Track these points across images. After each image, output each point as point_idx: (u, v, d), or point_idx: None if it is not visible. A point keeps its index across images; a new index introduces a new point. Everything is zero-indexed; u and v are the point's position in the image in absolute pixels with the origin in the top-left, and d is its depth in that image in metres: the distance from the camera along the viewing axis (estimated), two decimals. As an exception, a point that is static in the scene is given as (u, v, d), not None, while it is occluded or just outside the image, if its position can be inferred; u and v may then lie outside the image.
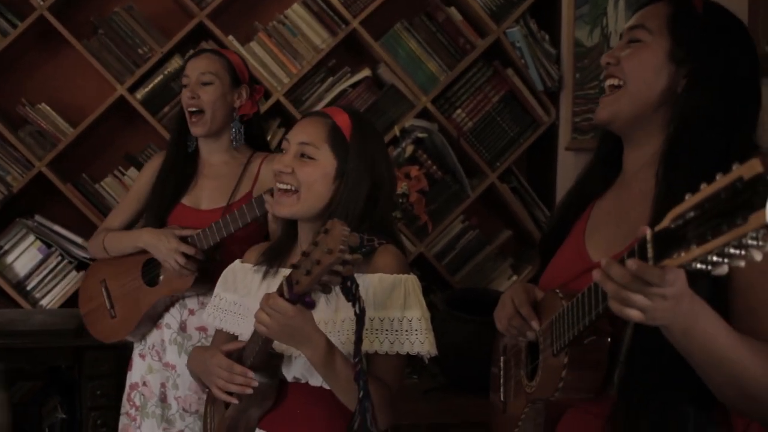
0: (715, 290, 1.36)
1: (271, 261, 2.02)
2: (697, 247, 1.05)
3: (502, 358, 1.78)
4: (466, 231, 4.16)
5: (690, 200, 1.07)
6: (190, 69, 2.80)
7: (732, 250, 1.02)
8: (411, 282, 1.90)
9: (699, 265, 1.06)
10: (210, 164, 2.82)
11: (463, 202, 4.10)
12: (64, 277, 3.93)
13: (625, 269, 1.17)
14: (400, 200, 3.38)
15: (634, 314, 1.21)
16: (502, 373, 1.77)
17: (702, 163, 1.42)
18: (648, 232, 1.14)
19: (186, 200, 2.79)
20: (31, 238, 3.94)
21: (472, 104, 4.10)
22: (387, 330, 1.86)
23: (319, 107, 3.94)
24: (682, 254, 1.07)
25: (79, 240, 3.92)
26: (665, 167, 1.48)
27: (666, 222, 1.11)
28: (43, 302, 3.92)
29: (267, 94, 3.97)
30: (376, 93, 4.08)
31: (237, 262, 2.14)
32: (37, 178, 3.92)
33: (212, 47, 3.79)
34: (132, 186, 3.03)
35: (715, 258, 1.04)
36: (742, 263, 1.03)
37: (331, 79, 4.07)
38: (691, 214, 1.06)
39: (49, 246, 3.94)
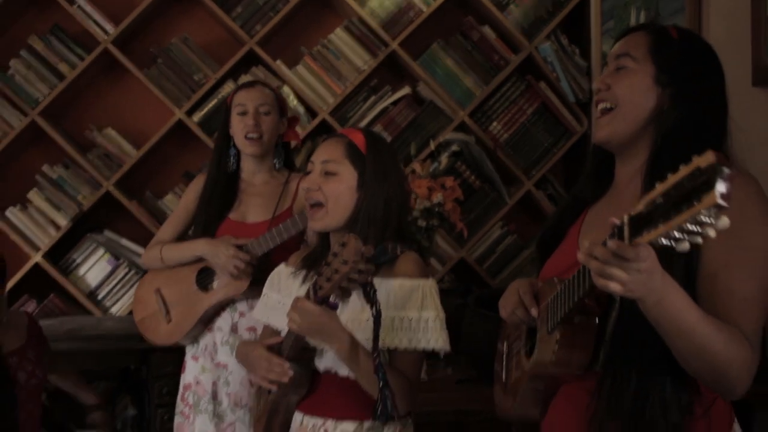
0: (687, 278, 1.58)
1: (308, 266, 2.29)
2: (663, 225, 1.26)
3: (505, 342, 2.01)
4: (505, 236, 4.38)
5: (659, 188, 1.29)
6: (246, 99, 3.04)
7: (689, 226, 1.23)
8: (428, 286, 2.14)
9: (664, 241, 1.27)
10: (252, 184, 3.07)
11: (501, 209, 4.32)
12: (132, 286, 4.22)
13: (606, 248, 1.38)
14: (436, 209, 3.61)
15: (615, 287, 1.41)
16: (505, 354, 2.00)
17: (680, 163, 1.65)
18: (625, 217, 1.36)
19: (232, 215, 3.04)
20: (101, 251, 4.25)
21: (508, 117, 4.32)
22: (405, 328, 2.10)
23: (362, 124, 4.21)
24: (651, 232, 1.29)
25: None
26: (650, 176, 1.69)
27: (639, 207, 1.33)
28: (113, 310, 4.23)
29: (313, 114, 4.24)
30: (416, 109, 4.32)
31: (282, 265, 2.40)
32: (105, 197, 4.23)
33: (262, 74, 4.09)
34: (179, 204, 3.29)
35: (677, 234, 1.25)
36: (699, 239, 1.24)
37: (373, 97, 4.32)
38: (660, 199, 1.28)
39: (117, 258, 4.25)
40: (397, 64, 4.40)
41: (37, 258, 4.17)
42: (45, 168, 4.26)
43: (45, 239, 4.20)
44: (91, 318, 4.15)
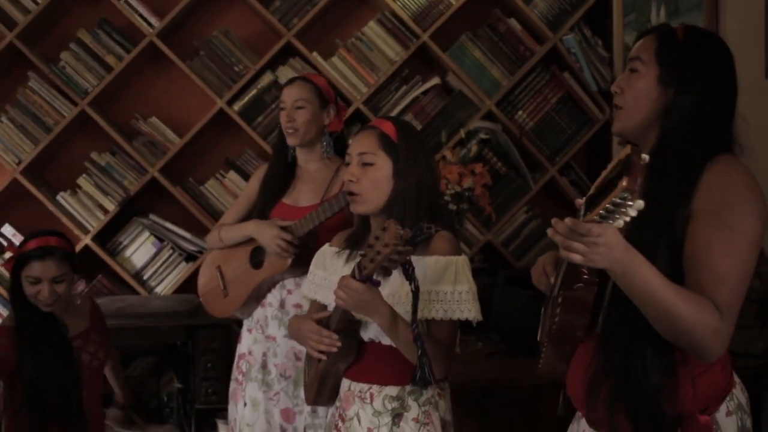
0: (672, 256, 1.78)
1: (350, 246, 2.49)
2: (597, 206, 1.51)
3: (543, 308, 2.22)
4: (530, 220, 4.56)
5: (602, 175, 1.56)
6: (285, 95, 3.24)
7: (612, 207, 1.48)
8: (461, 262, 2.34)
9: (598, 218, 1.52)
10: (307, 171, 3.26)
11: (526, 195, 4.50)
12: (175, 267, 4.46)
13: (565, 225, 1.60)
14: (466, 194, 3.80)
15: (576, 257, 1.62)
16: (541, 317, 2.20)
17: (683, 153, 1.85)
18: (584, 199, 1.61)
19: (286, 199, 3.24)
20: (147, 234, 4.46)
21: (533, 105, 4.50)
22: (441, 301, 2.30)
23: (394, 113, 4.39)
24: (592, 211, 1.54)
25: (187, 235, 4.44)
26: (653, 163, 1.89)
27: (591, 191, 1.59)
28: (158, 290, 4.45)
29: (347, 103, 4.42)
30: (445, 99, 4.50)
31: (326, 245, 2.60)
32: (150, 182, 4.44)
33: (299, 66, 4.28)
34: (243, 190, 3.49)
35: (605, 213, 1.50)
36: (627, 218, 1.50)
37: (404, 87, 4.50)
38: (604, 184, 1.55)
39: (161, 241, 4.47)
40: (428, 56, 4.57)
41: (86, 240, 4.39)
42: (93, 155, 4.48)
43: (94, 222, 4.42)
44: (140, 297, 4.37)
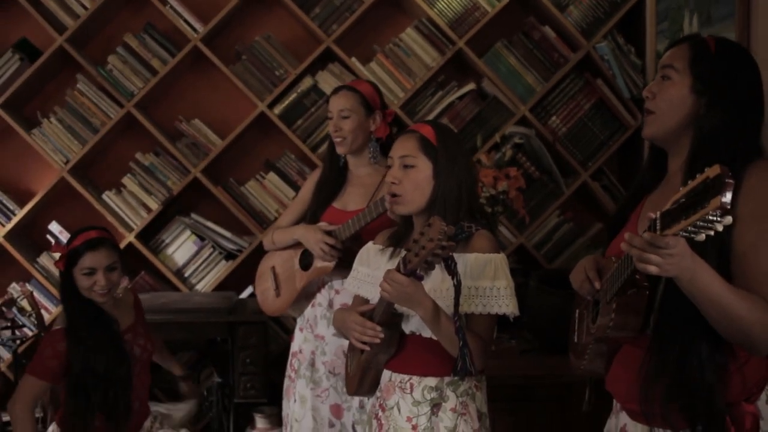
0: (720, 259, 1.88)
1: (394, 244, 2.60)
2: (683, 221, 1.60)
3: (577, 311, 2.30)
4: (562, 224, 4.63)
5: (682, 191, 1.63)
6: (332, 105, 3.35)
7: (701, 223, 1.57)
8: (499, 259, 2.45)
9: (684, 234, 1.62)
10: (357, 176, 3.37)
11: (558, 199, 4.57)
12: (215, 265, 4.58)
13: (642, 239, 1.71)
14: (501, 197, 3.89)
15: (652, 269, 1.73)
16: (577, 321, 2.29)
17: (722, 160, 1.93)
18: (658, 213, 1.68)
19: (336, 204, 3.35)
20: (188, 232, 4.59)
21: (566, 111, 4.58)
22: (480, 296, 2.40)
23: (430, 118, 4.49)
24: (675, 226, 1.62)
25: (228, 234, 4.56)
26: (688, 173, 1.98)
27: (668, 205, 1.66)
28: (198, 287, 4.58)
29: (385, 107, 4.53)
30: (480, 104, 4.59)
31: (370, 243, 2.71)
32: (192, 182, 4.57)
33: (338, 71, 4.39)
34: (297, 194, 3.60)
35: (692, 228, 1.59)
36: (711, 232, 1.58)
37: (440, 93, 4.60)
38: (683, 200, 1.62)
39: (202, 239, 4.60)
40: (463, 62, 4.66)
41: (130, 238, 4.53)
42: (138, 155, 4.62)
43: (137, 221, 4.56)
44: (181, 293, 4.50)
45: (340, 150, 3.32)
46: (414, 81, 4.55)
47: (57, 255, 3.21)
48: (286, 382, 3.43)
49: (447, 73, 4.64)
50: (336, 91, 3.41)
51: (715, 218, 1.56)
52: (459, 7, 4.52)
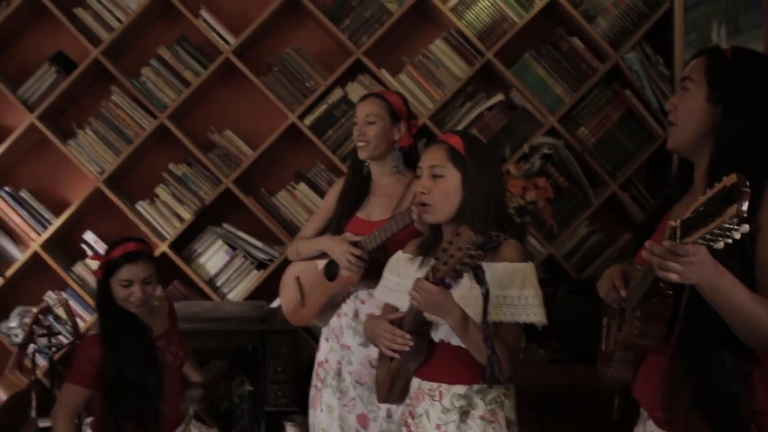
0: (744, 267, 1.90)
1: (423, 253, 2.63)
2: (702, 229, 1.63)
3: (605, 320, 2.33)
4: (591, 235, 4.64)
5: (701, 200, 1.65)
6: (359, 110, 3.39)
7: (719, 231, 1.60)
8: (528, 268, 2.47)
9: (702, 242, 1.65)
10: (380, 185, 3.40)
11: (587, 209, 4.59)
12: (247, 275, 4.64)
13: (662, 247, 1.73)
14: (529, 207, 3.91)
15: (673, 276, 1.75)
16: (605, 329, 2.31)
17: (743, 169, 1.95)
18: (678, 221, 1.71)
19: (360, 214, 3.38)
20: (220, 242, 4.65)
21: (595, 122, 4.59)
22: (508, 305, 2.43)
23: (459, 128, 4.52)
24: (694, 234, 1.65)
25: (259, 244, 4.62)
26: (708, 181, 2.00)
27: (688, 213, 1.68)
28: (230, 296, 4.63)
29: (414, 118, 4.56)
30: (509, 115, 4.62)
31: (400, 252, 2.74)
32: (224, 193, 4.63)
33: (368, 82, 4.44)
34: (321, 203, 3.64)
35: (710, 236, 1.63)
36: (729, 240, 1.61)
37: (469, 103, 4.63)
38: (701, 208, 1.65)
39: (234, 249, 4.65)
40: (492, 73, 4.69)
41: (163, 248, 4.60)
42: (171, 166, 4.69)
43: (170, 230, 4.63)
44: (213, 302, 4.56)
45: (362, 155, 3.35)
46: (443, 92, 4.59)
47: (94, 264, 3.27)
48: (312, 391, 3.46)
49: (476, 84, 4.67)
50: (364, 97, 3.46)
51: (732, 226, 1.59)
52: (488, 19, 4.55)
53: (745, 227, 1.58)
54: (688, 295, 1.97)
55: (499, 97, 4.64)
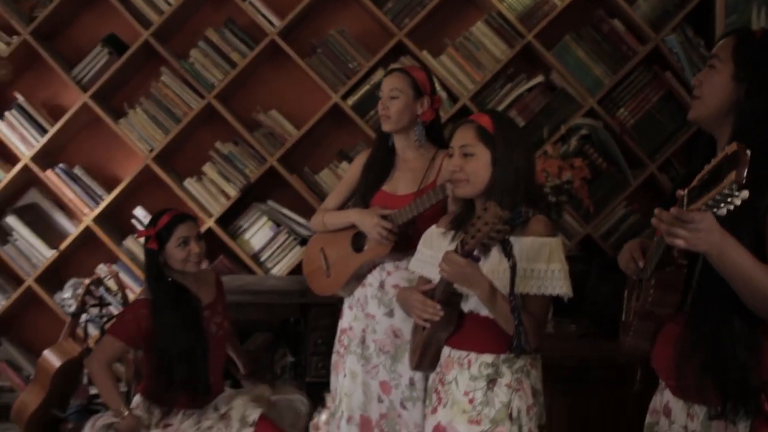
0: (754, 237, 1.95)
1: (455, 227, 2.73)
2: (705, 196, 1.71)
3: (626, 291, 2.41)
4: (629, 215, 4.69)
5: (705, 169, 1.73)
6: (384, 85, 3.46)
7: (720, 197, 1.68)
8: (555, 243, 2.55)
9: (705, 207, 1.72)
10: (404, 159, 3.47)
11: (625, 190, 4.64)
12: (291, 250, 4.77)
13: (670, 214, 1.80)
14: (566, 186, 3.98)
15: (680, 242, 1.82)
16: (625, 299, 2.39)
17: (760, 146, 2.02)
18: (685, 190, 1.79)
19: (386, 187, 3.45)
20: (264, 218, 4.79)
21: (634, 104, 4.64)
22: (536, 277, 2.51)
23: (499, 109, 4.59)
24: (697, 201, 1.73)
25: (302, 221, 4.73)
26: None
27: (693, 182, 1.76)
28: (273, 271, 4.77)
29: (455, 99, 4.65)
30: (549, 96, 4.68)
31: (434, 226, 2.83)
32: (269, 171, 4.76)
33: (408, 63, 4.52)
34: (344, 176, 3.72)
35: (712, 202, 1.70)
36: (731, 207, 1.69)
37: (509, 85, 4.70)
38: (706, 177, 1.73)
39: (278, 225, 4.78)
40: (532, 54, 4.76)
41: (210, 223, 4.74)
42: (217, 144, 4.83)
43: (217, 207, 4.77)
44: (257, 276, 4.70)
45: (385, 127, 3.42)
46: (484, 73, 4.66)
47: (142, 239, 3.42)
48: (335, 357, 3.56)
49: (516, 66, 4.74)
50: (389, 72, 3.54)
51: (732, 192, 1.66)
52: (528, 1, 4.62)
53: (745, 193, 1.65)
54: (701, 265, 2.04)
55: (539, 78, 4.70)
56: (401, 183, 3.44)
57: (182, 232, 3.35)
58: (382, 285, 3.42)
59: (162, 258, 3.37)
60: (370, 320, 3.44)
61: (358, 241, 3.52)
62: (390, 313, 3.34)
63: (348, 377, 3.45)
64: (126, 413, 3.32)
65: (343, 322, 3.56)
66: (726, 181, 1.64)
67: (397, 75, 3.47)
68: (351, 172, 3.63)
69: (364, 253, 3.47)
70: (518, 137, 2.65)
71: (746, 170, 1.64)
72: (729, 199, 1.67)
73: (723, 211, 1.71)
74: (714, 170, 1.70)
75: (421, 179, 3.39)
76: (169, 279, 3.39)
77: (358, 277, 3.50)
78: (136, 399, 3.50)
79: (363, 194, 3.50)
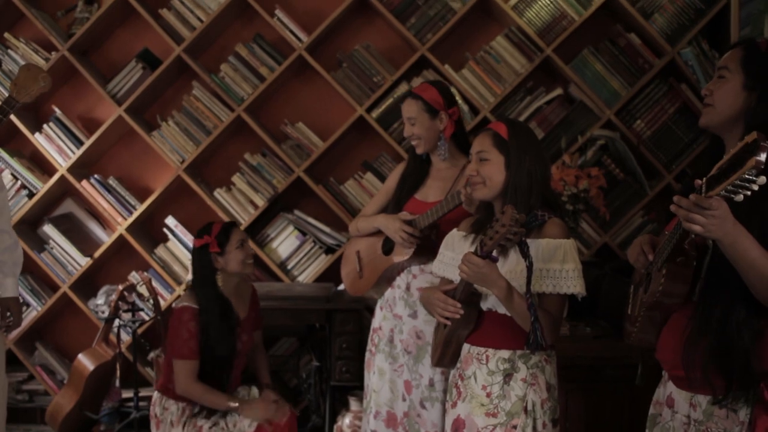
0: (764, 230, 2.06)
1: (475, 230, 2.86)
2: (724, 182, 1.81)
3: (632, 285, 2.52)
4: (646, 224, 4.78)
5: (725, 158, 1.84)
6: (403, 110, 3.62)
7: (739, 183, 1.79)
8: (569, 244, 2.68)
9: (724, 194, 1.83)
10: (438, 169, 3.61)
11: (642, 200, 4.74)
12: (316, 258, 4.90)
13: (689, 200, 1.92)
14: (582, 195, 4.10)
15: (697, 228, 1.94)
16: (631, 293, 2.49)
17: None
18: (704, 179, 1.90)
19: (418, 195, 3.60)
20: (291, 228, 4.92)
21: (651, 115, 4.75)
22: (551, 277, 2.65)
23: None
24: (717, 188, 1.84)
25: (327, 230, 4.87)
26: None
27: (713, 171, 1.87)
28: (300, 278, 4.90)
29: (476, 111, 4.78)
30: (567, 108, 4.79)
31: (455, 230, 2.97)
32: (296, 181, 4.90)
33: (430, 77, 4.66)
34: (383, 184, 3.87)
35: (731, 188, 1.81)
36: (748, 192, 1.80)
37: (528, 98, 4.82)
38: (725, 165, 1.84)
39: (304, 234, 4.92)
40: (551, 68, 4.88)
41: (238, 232, 4.89)
42: (246, 156, 4.98)
43: (245, 216, 4.92)
44: (284, 283, 4.84)
45: (418, 150, 3.58)
46: (504, 86, 4.78)
47: (200, 246, 3.63)
48: (367, 355, 3.71)
49: (535, 79, 4.86)
50: (404, 98, 3.66)
51: (751, 177, 1.77)
52: (547, 16, 4.73)
53: (762, 179, 1.75)
54: (709, 258, 2.16)
55: (558, 91, 4.82)
56: (432, 191, 3.59)
57: (238, 235, 3.61)
58: (408, 287, 3.57)
59: (220, 262, 3.54)
60: (398, 320, 3.58)
61: (388, 244, 3.67)
62: (414, 315, 3.49)
63: (377, 374, 3.61)
64: (236, 405, 3.53)
65: (375, 322, 3.72)
66: (747, 165, 1.75)
67: (408, 102, 3.60)
68: (388, 182, 3.79)
69: (392, 255, 3.63)
70: (531, 143, 2.79)
71: (766, 156, 1.75)
72: (748, 184, 1.78)
73: (740, 197, 1.81)
74: (733, 159, 1.80)
75: (450, 187, 3.53)
76: (219, 291, 3.61)
77: (387, 279, 3.66)
78: (154, 395, 3.69)
79: (397, 201, 3.65)
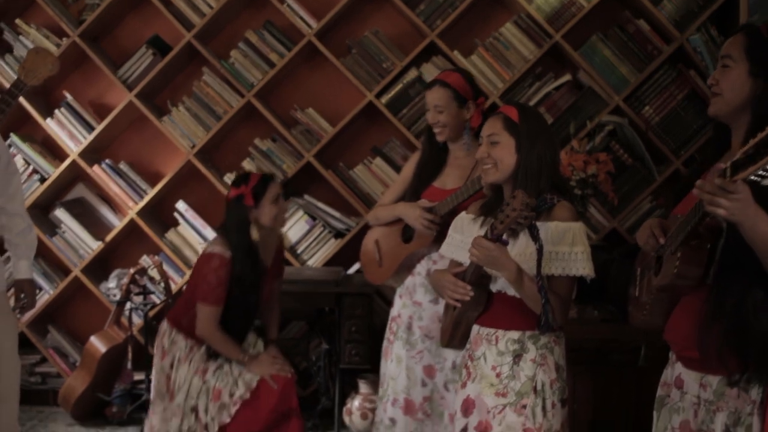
0: None
1: (485, 213, 2.88)
2: (751, 167, 1.83)
3: (639, 268, 2.54)
4: (654, 209, 4.81)
5: (751, 142, 1.86)
6: (428, 99, 3.61)
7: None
8: (578, 227, 2.71)
9: (753, 177, 1.85)
10: (456, 157, 3.62)
11: (651, 185, 4.77)
12: (326, 243, 4.94)
13: (714, 183, 1.94)
14: (590, 180, 4.12)
15: (721, 212, 1.95)
16: (638, 276, 2.50)
17: None
18: (729, 162, 1.91)
19: (436, 183, 3.62)
20: (301, 212, 4.96)
21: (659, 101, 4.76)
22: (560, 259, 2.67)
23: (527, 106, 4.74)
24: (743, 172, 1.86)
25: (337, 214, 4.92)
26: (747, 142, 2.21)
27: (738, 155, 1.89)
28: (310, 262, 4.94)
29: (485, 97, 4.77)
30: (576, 94, 4.82)
31: (464, 213, 2.99)
32: (305, 166, 4.93)
33: (441, 63, 4.68)
34: (400, 173, 3.87)
35: (762, 172, 1.83)
36: None
37: (537, 83, 4.85)
38: (751, 150, 1.85)
39: (314, 219, 4.96)
40: (560, 54, 4.90)
41: (248, 216, 4.92)
42: (256, 141, 5.03)
43: (255, 201, 4.95)
44: (294, 267, 4.88)
45: (440, 138, 3.58)
46: (512, 73, 4.80)
47: (235, 195, 3.61)
48: (385, 343, 3.73)
49: (544, 65, 4.88)
50: (430, 85, 3.65)
51: None
52: (556, 3, 4.75)
53: None
54: (723, 241, 2.18)
55: (567, 77, 4.84)
56: (450, 178, 3.61)
57: (275, 189, 3.59)
58: (429, 274, 3.57)
59: (253, 214, 3.57)
60: (417, 307, 3.61)
61: (407, 232, 3.69)
62: (435, 300, 3.51)
63: (394, 362, 3.63)
64: (246, 358, 3.58)
65: (393, 311, 3.73)
66: None
67: (437, 90, 3.59)
68: (405, 170, 3.80)
69: (412, 243, 3.65)
70: (541, 127, 2.81)
71: None
72: None
73: (767, 182, 1.85)
74: (760, 144, 1.82)
75: (468, 175, 3.55)
76: (252, 241, 3.59)
77: (407, 267, 3.68)
78: (163, 326, 3.71)
79: (415, 189, 3.67)
